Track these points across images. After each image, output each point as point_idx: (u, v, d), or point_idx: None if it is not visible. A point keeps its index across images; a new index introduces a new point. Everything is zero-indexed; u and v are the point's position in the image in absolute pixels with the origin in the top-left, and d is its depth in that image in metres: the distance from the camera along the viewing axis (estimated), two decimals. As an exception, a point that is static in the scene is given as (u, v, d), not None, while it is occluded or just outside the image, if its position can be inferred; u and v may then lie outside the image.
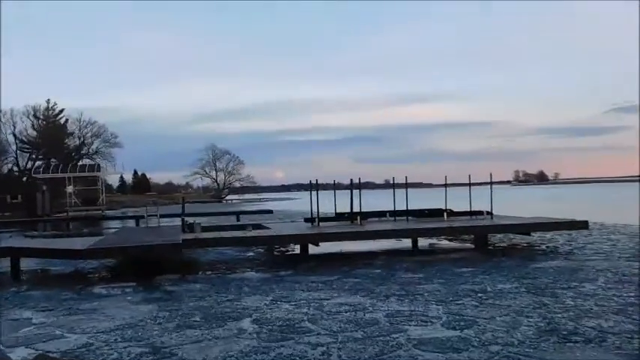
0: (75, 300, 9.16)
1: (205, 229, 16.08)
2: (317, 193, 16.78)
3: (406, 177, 17.18)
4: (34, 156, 71.75)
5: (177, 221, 20.88)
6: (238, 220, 28.01)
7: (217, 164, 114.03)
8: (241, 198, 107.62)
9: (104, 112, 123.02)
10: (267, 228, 16.05)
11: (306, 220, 17.17)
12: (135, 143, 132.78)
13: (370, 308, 7.78)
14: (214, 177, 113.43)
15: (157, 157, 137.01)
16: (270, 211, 33.86)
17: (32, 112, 73.59)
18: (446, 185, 16.79)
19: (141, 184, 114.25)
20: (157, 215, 20.55)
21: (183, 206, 19.07)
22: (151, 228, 17.84)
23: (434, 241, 16.26)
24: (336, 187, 17.95)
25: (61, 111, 76.62)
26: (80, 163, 67.64)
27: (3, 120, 69.84)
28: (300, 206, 42.40)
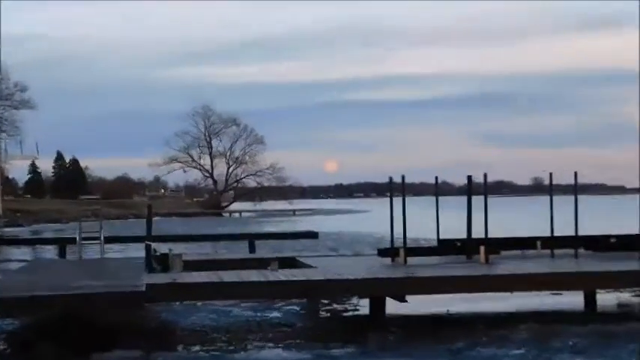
0: None
1: (190, 265, 15.27)
2: (403, 203, 15.98)
3: (575, 174, 16.09)
4: None
5: (139, 250, 20.07)
6: (253, 249, 27.22)
7: (215, 143, 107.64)
8: (259, 209, 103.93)
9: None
10: (308, 266, 15.39)
11: (382, 252, 16.68)
12: (59, 103, 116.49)
13: None
14: (208, 168, 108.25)
15: (100, 129, 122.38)
16: (313, 235, 31.56)
17: None
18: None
19: (70, 179, 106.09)
20: (99, 239, 20.08)
21: (150, 222, 17.27)
22: (89, 262, 17.51)
23: (627, 295, 15.39)
24: (438, 190, 17.61)
25: None
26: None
27: None
28: (370, 226, 42.20)
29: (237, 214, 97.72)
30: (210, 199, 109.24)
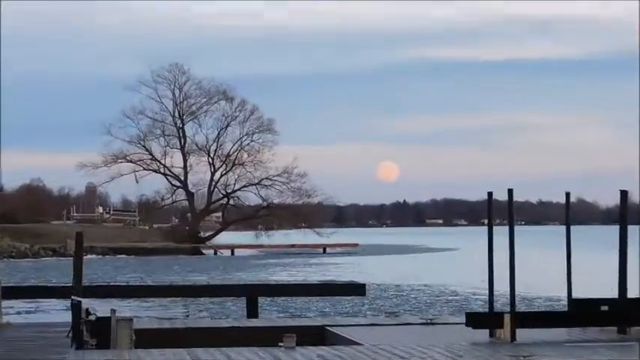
0: None
1: (147, 338, 15.96)
2: (510, 237, 16.61)
3: None
4: None
5: (60, 312, 22.50)
6: (254, 311, 27.09)
7: (190, 130, 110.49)
8: (265, 243, 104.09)
9: None
10: (348, 342, 16.03)
11: (473, 319, 17.18)
12: None
13: None
14: (179, 172, 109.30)
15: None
16: (357, 288, 31.45)
17: None
18: None
19: None
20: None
21: (80, 264, 18.19)
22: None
23: None
24: (570, 213, 18.50)
25: None
26: None
27: None
28: (451, 274, 46.85)
29: (227, 252, 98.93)
30: (181, 226, 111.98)
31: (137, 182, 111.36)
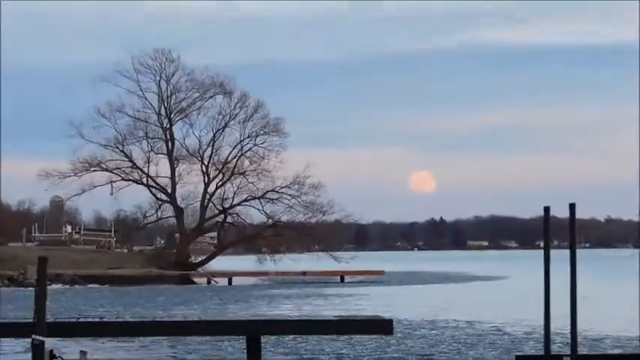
0: None
1: None
2: (572, 264, 17.08)
3: None
4: None
5: (14, 354, 23.91)
6: (256, 353, 27.44)
7: (180, 131, 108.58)
8: (270, 270, 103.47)
9: None
10: None
11: None
12: None
13: None
14: (165, 183, 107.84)
15: None
16: (382, 326, 31.01)
17: None
18: None
19: None
20: None
21: (44, 294, 18.43)
22: None
23: None
24: None
25: None
26: None
27: None
28: (497, 309, 48.03)
29: (223, 280, 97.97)
30: (167, 248, 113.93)
31: (113, 195, 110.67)
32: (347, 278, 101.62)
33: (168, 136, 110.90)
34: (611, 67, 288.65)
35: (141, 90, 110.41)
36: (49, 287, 19.43)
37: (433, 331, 40.04)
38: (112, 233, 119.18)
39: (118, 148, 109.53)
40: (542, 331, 17.07)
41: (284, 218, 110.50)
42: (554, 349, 17.18)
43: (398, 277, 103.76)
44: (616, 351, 29.35)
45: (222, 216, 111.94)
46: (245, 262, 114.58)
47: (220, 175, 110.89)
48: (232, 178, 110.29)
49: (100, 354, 20.29)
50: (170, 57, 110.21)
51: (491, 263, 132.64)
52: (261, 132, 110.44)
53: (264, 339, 28.40)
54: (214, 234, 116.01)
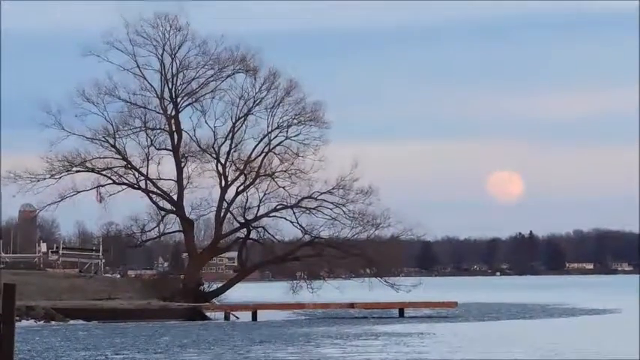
0: None
1: None
2: None
3: None
4: None
5: None
6: None
7: (188, 120, 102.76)
8: (307, 301, 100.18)
9: None
10: None
11: None
12: None
13: None
14: (170, 188, 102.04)
15: None
16: None
17: None
18: None
19: None
20: None
21: (12, 332, 22.43)
22: None
23: None
24: None
25: None
26: None
27: None
28: (609, 349, 52.25)
29: (246, 314, 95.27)
30: (172, 274, 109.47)
31: (102, 203, 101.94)
32: (408, 311, 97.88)
33: (174, 127, 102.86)
34: None
35: (138, 67, 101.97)
36: (18, 324, 22.02)
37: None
38: (100, 253, 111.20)
39: (107, 141, 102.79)
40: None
41: (325, 233, 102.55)
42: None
43: (475, 311, 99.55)
44: None
45: (245, 230, 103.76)
46: (274, 290, 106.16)
47: (242, 178, 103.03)
48: (257, 181, 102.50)
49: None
50: (176, 24, 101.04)
51: (596, 291, 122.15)
52: (295, 121, 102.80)
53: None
54: (234, 254, 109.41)
